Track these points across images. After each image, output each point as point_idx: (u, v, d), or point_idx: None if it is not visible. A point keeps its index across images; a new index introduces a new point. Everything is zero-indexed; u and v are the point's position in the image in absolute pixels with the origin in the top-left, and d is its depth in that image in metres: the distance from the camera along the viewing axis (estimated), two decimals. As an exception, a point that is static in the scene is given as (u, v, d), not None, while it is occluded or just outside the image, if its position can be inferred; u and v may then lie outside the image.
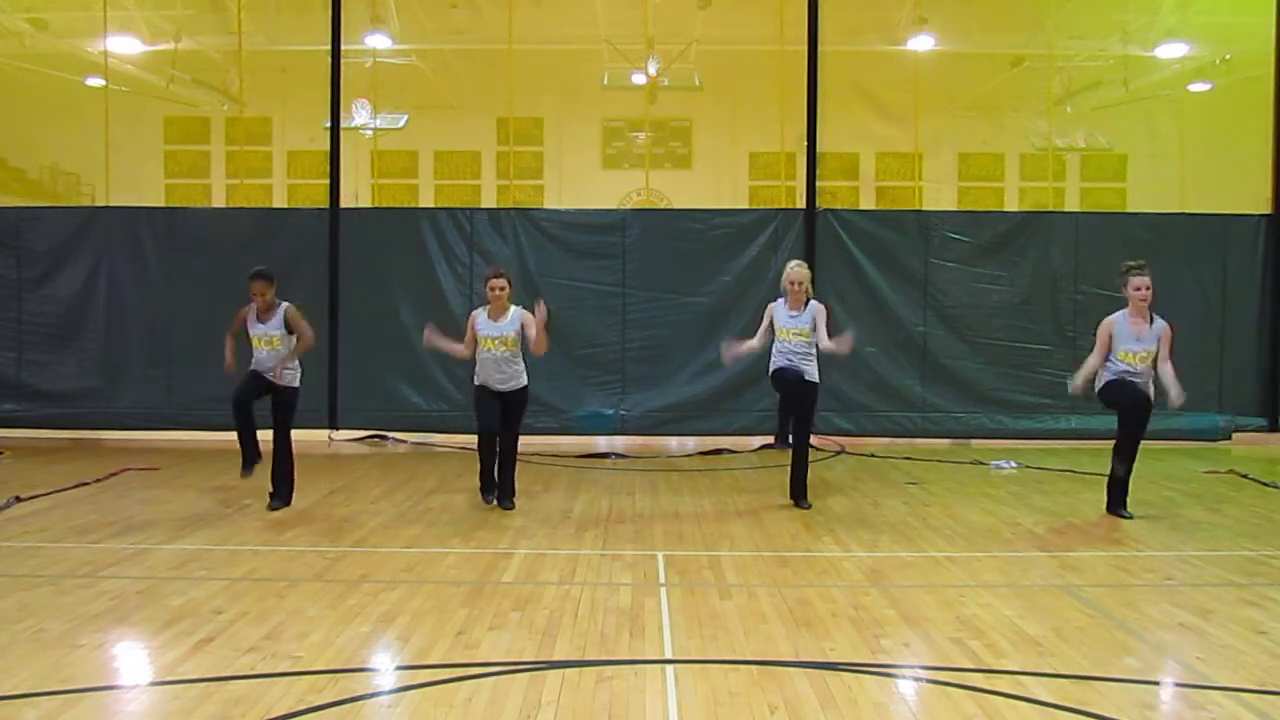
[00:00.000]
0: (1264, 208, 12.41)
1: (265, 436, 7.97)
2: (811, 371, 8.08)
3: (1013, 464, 10.57)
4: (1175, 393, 7.47)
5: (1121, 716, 4.05)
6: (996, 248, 12.25)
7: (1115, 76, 16.05)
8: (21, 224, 12.35)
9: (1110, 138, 17.87)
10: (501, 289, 7.91)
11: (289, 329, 7.89)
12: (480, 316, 8.02)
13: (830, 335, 8.02)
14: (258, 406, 7.96)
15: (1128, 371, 7.65)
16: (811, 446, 11.46)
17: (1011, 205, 18.03)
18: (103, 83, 13.71)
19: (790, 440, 8.24)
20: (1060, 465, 10.48)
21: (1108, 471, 7.94)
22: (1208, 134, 16.24)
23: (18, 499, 8.27)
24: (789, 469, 8.40)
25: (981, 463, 10.73)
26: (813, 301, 8.16)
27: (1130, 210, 16.36)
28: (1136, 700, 4.26)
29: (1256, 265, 12.25)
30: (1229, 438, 11.86)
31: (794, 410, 8.14)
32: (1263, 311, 12.22)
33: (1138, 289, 7.68)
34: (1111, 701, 4.21)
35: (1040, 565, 6.52)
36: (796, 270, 8.17)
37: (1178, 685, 4.44)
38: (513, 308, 7.99)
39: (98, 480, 9.35)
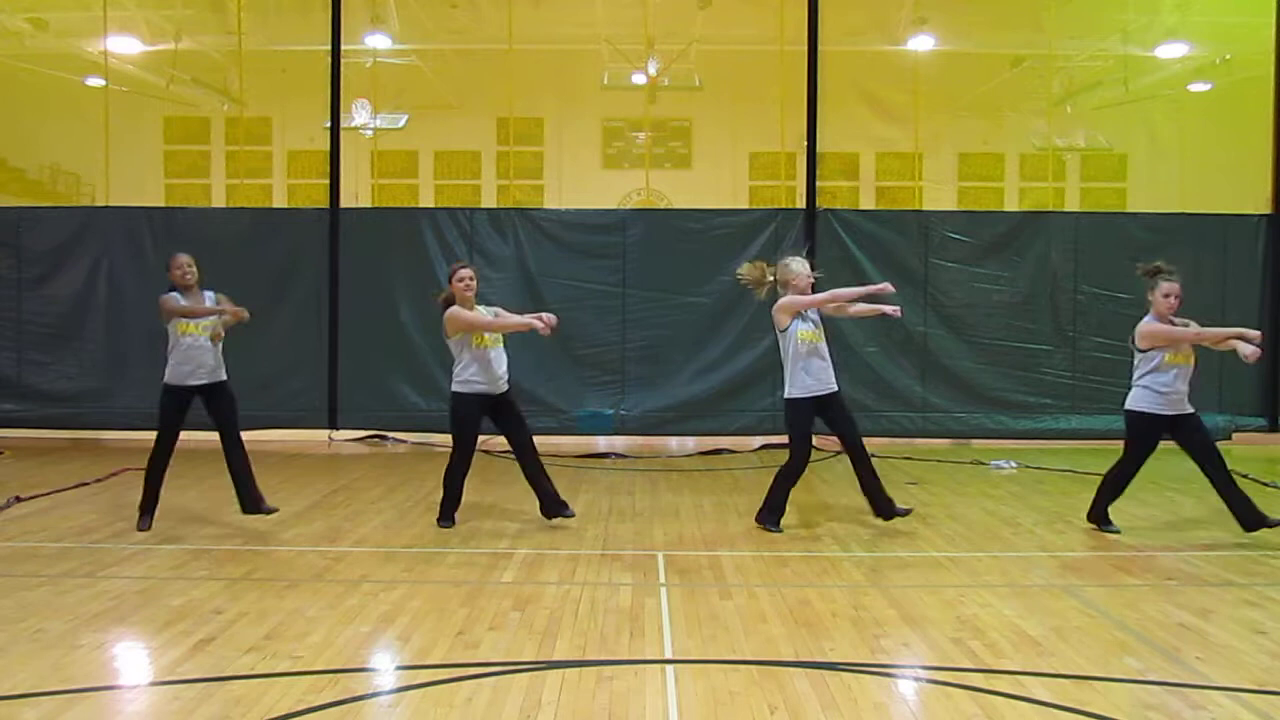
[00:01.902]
0: (1264, 208, 12.41)
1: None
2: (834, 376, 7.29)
3: (1013, 464, 10.57)
4: (1244, 347, 6.90)
5: (1121, 716, 4.05)
6: (996, 248, 12.25)
7: (1115, 76, 16.05)
8: (21, 224, 12.35)
9: (1110, 138, 17.88)
10: (472, 279, 7.20)
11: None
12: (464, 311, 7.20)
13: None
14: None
15: (1173, 391, 6.96)
16: (815, 448, 11.52)
17: (1011, 205, 18.03)
18: (103, 83, 13.71)
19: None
20: (1060, 465, 10.48)
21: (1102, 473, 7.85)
22: (1208, 134, 16.23)
23: (18, 499, 8.27)
24: (860, 487, 7.42)
25: (981, 463, 10.73)
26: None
27: (1130, 210, 16.37)
28: (1136, 700, 4.26)
29: (1256, 265, 12.25)
30: (1229, 438, 11.85)
31: (839, 429, 7.35)
32: (1263, 311, 12.20)
33: (1167, 295, 6.99)
34: (1111, 701, 4.21)
35: (1040, 565, 6.52)
36: (804, 263, 7.35)
37: (1178, 685, 4.43)
38: (479, 305, 7.31)
39: (98, 480, 9.35)
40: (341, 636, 4.96)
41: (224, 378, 7.24)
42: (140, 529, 7.18)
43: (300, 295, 12.06)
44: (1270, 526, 6.96)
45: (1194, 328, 7.07)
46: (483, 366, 7.19)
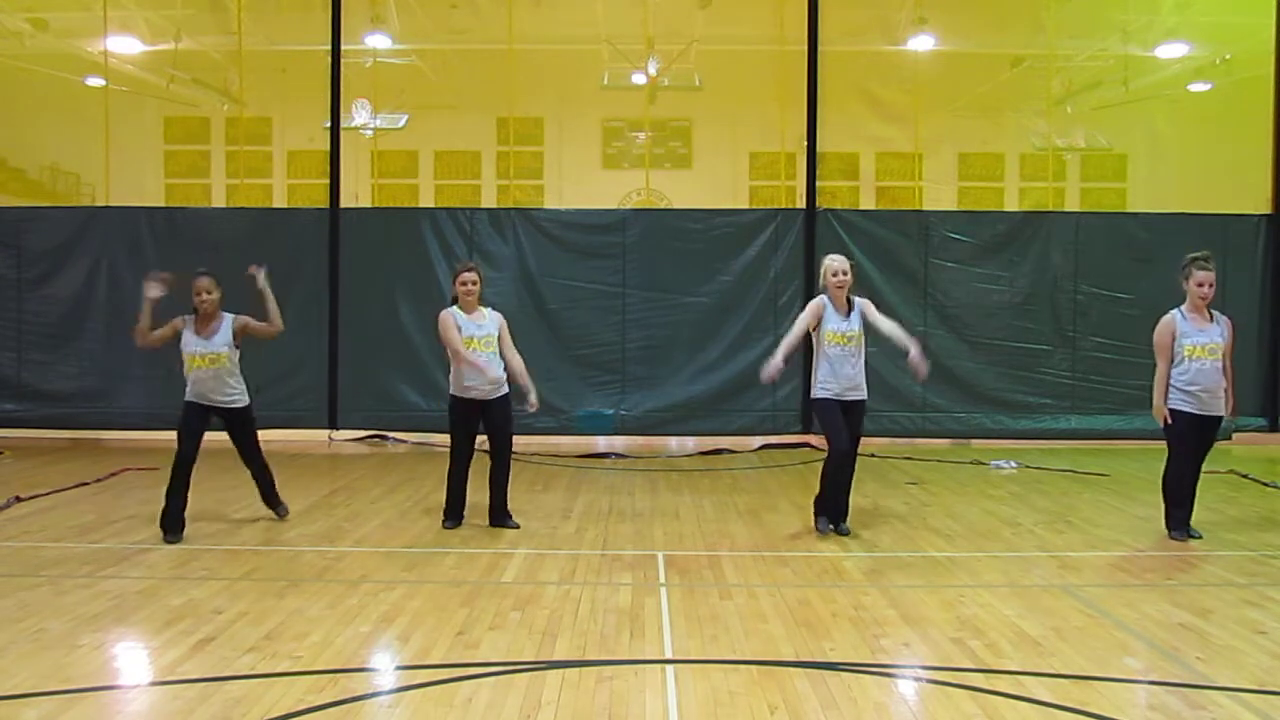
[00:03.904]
0: (1264, 208, 12.41)
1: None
2: (864, 386, 7.27)
3: (1013, 464, 10.57)
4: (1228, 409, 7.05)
5: (1121, 716, 4.06)
6: (996, 248, 12.26)
7: (1115, 76, 16.03)
8: (21, 224, 12.37)
9: (1110, 138, 17.85)
10: (474, 283, 7.24)
11: (236, 340, 7.15)
12: (459, 316, 7.23)
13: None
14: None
15: (1198, 386, 6.87)
16: (811, 446, 11.53)
17: (1011, 205, 18.00)
18: (103, 83, 13.70)
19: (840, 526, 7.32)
20: (1060, 465, 10.48)
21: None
22: (1208, 134, 16.20)
23: (18, 499, 8.27)
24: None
25: (981, 463, 10.73)
26: (856, 300, 7.30)
27: (1130, 210, 16.36)
28: (1136, 700, 4.26)
29: (1256, 265, 12.26)
30: (1229, 438, 11.85)
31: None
32: (1263, 311, 12.22)
33: (1200, 284, 6.93)
34: (1111, 701, 4.21)
35: (1040, 565, 6.52)
36: (839, 262, 7.16)
37: (1178, 685, 4.44)
38: (484, 308, 7.36)
39: (98, 480, 9.36)
40: (341, 636, 4.96)
41: (234, 407, 7.23)
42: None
43: (300, 295, 12.03)
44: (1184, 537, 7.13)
45: (1203, 336, 6.97)
46: (469, 371, 7.19)
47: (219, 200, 17.89)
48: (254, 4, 14.19)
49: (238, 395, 7.23)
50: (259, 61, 15.34)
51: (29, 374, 12.15)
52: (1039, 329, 12.17)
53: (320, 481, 9.48)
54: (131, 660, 4.76)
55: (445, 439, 11.55)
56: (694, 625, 5.18)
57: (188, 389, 7.15)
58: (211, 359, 7.07)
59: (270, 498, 7.74)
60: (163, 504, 7.07)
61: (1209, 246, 11.84)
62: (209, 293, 7.09)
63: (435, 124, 18.03)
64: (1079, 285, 12.15)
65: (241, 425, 7.35)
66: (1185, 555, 6.78)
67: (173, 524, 7.04)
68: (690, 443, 12.14)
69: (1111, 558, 6.73)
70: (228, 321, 7.16)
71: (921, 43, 15.14)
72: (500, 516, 7.50)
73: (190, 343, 7.08)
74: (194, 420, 7.13)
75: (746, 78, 15.84)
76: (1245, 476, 9.72)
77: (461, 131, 18.29)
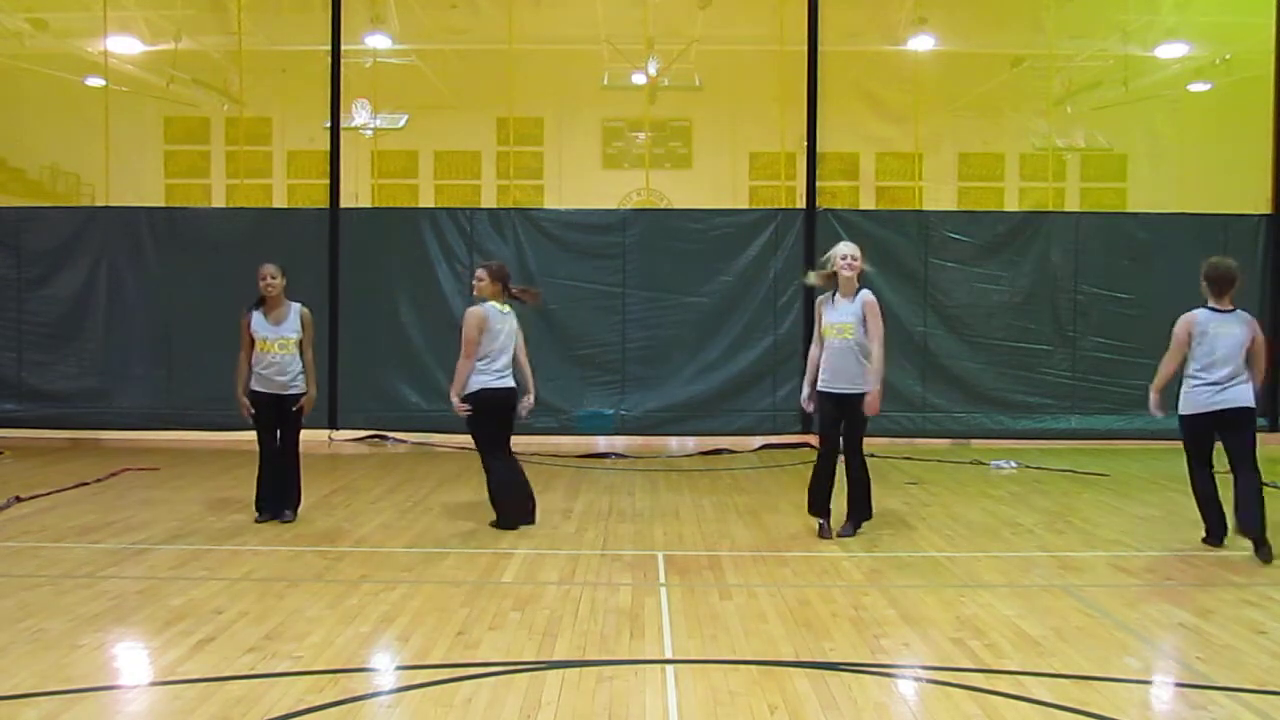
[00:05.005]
0: (1264, 208, 12.41)
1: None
2: (856, 378, 6.87)
3: (1013, 464, 10.57)
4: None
5: (1121, 716, 4.05)
6: (996, 248, 12.26)
7: (1115, 76, 16.04)
8: (21, 224, 12.37)
9: (1110, 138, 17.85)
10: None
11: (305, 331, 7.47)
12: (491, 312, 7.24)
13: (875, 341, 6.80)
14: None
15: (1214, 383, 6.61)
16: (810, 446, 11.51)
17: (1011, 205, 18.01)
18: (103, 83, 13.72)
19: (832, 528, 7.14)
20: (1060, 465, 10.48)
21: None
22: (1208, 134, 16.22)
23: (18, 499, 8.27)
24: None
25: (981, 463, 10.73)
26: (864, 291, 6.90)
27: (1130, 210, 16.36)
28: (1136, 700, 4.26)
29: (1256, 265, 12.24)
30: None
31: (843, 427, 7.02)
32: (1263, 312, 12.18)
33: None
34: (1111, 701, 4.21)
35: (1040, 565, 6.53)
36: (847, 246, 6.91)
37: (1178, 685, 4.44)
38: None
39: (98, 480, 9.36)
40: (341, 636, 4.96)
41: (293, 393, 7.47)
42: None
43: (300, 296, 11.93)
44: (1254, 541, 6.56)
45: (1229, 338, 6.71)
46: (502, 366, 7.30)
47: (219, 200, 17.89)
48: (254, 4, 14.19)
49: (301, 381, 7.49)
50: (259, 61, 15.34)
51: (29, 374, 12.16)
52: (1039, 329, 12.17)
53: (320, 482, 9.46)
54: (131, 660, 4.76)
55: (445, 439, 11.74)
56: (694, 625, 5.18)
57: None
58: (283, 345, 7.40)
59: (291, 494, 7.68)
60: None
61: (1209, 246, 11.93)
62: (274, 277, 7.44)
63: (435, 124, 18.03)
64: (1079, 285, 12.15)
65: (292, 411, 7.50)
66: (1185, 555, 6.78)
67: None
68: (690, 443, 12.14)
69: (1111, 558, 6.73)
70: (296, 310, 7.53)
71: (921, 43, 15.15)
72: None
73: (262, 329, 7.40)
74: (264, 414, 7.44)
75: (746, 78, 15.85)
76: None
77: (461, 131, 18.29)
